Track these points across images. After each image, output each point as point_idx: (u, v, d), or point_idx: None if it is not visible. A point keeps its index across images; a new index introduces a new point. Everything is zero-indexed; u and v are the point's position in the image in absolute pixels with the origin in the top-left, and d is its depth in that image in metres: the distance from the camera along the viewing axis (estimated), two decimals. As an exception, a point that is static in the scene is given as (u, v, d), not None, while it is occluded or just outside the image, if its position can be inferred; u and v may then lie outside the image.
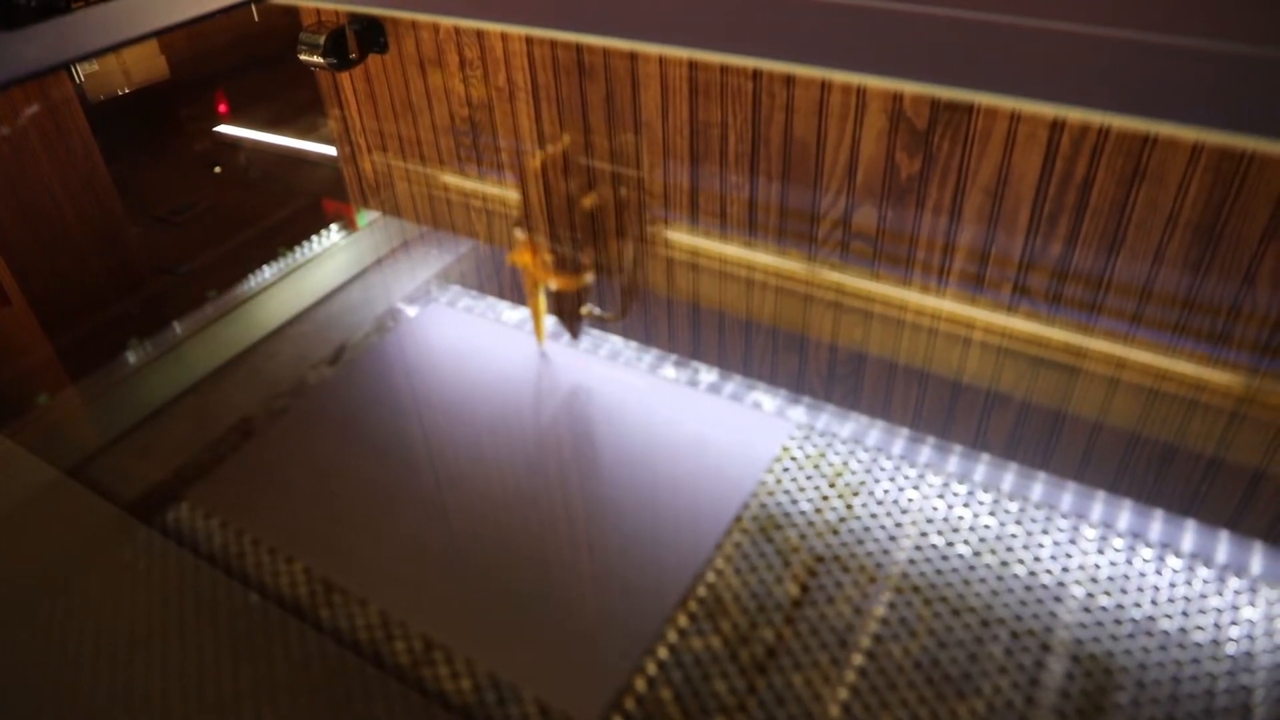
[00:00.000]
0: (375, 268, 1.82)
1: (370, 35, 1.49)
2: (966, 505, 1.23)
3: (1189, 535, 1.17)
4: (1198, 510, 1.17)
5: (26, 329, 1.75)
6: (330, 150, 2.04)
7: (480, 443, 1.41)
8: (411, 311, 1.71)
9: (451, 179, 1.61)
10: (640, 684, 1.04)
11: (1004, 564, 1.15)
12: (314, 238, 1.90)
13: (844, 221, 1.21)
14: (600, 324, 1.59)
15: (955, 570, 1.14)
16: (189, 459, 1.39)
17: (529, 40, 1.33)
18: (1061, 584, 1.12)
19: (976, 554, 1.16)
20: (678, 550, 1.20)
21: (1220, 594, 1.10)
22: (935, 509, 1.23)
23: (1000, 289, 1.14)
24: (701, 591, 1.14)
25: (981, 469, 1.28)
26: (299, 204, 2.28)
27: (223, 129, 2.64)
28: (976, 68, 0.89)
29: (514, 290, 1.69)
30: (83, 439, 1.45)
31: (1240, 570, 1.12)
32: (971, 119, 1.04)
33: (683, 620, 1.11)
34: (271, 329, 1.66)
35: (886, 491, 1.26)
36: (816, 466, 1.31)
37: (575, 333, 1.58)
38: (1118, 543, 1.17)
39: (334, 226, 1.92)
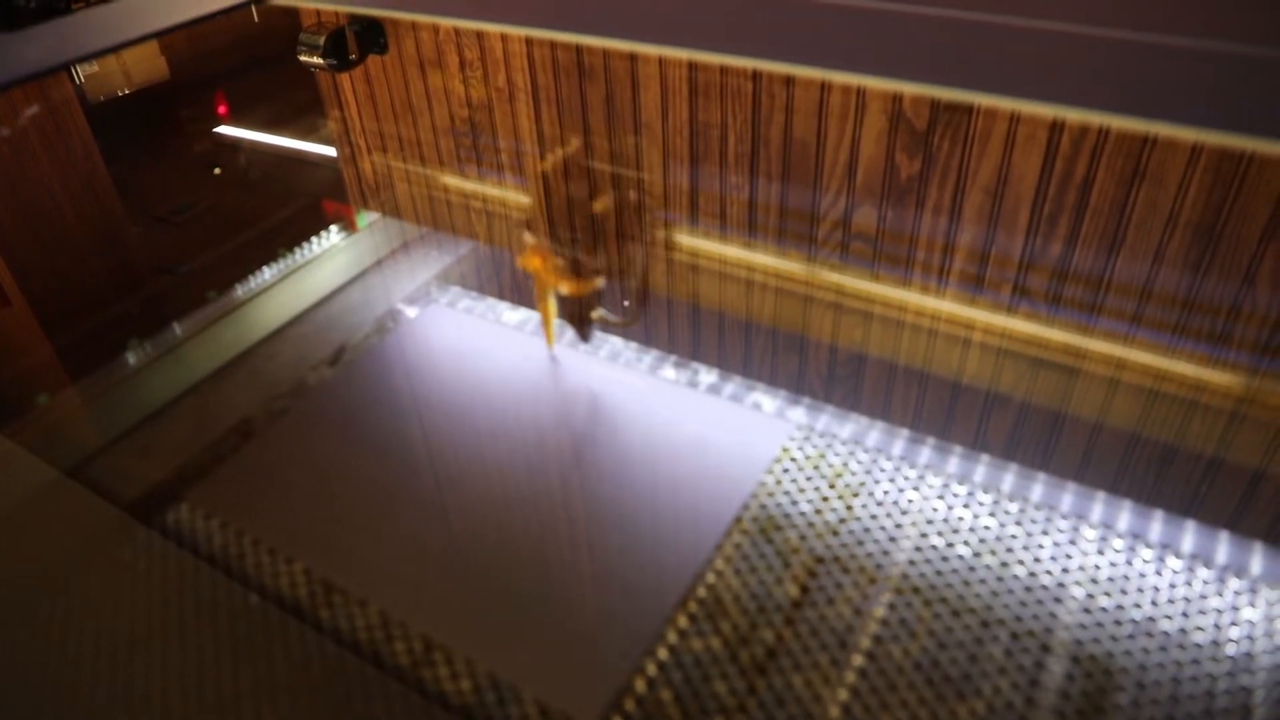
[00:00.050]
0: (375, 269, 1.82)
1: (370, 36, 1.49)
2: (966, 506, 1.23)
3: (1189, 536, 1.17)
4: (1198, 511, 1.17)
5: (26, 329, 1.75)
6: (330, 151, 2.04)
7: (480, 443, 1.41)
8: (411, 313, 1.71)
9: (451, 180, 1.62)
10: (640, 685, 1.04)
11: (1004, 565, 1.15)
12: (314, 239, 1.90)
13: (844, 222, 1.21)
14: (610, 329, 1.59)
15: (955, 571, 1.14)
16: (189, 459, 1.39)
17: (529, 41, 1.33)
18: (1061, 585, 1.12)
19: (976, 555, 1.16)
20: (678, 551, 1.20)
21: (1220, 595, 1.10)
22: (935, 510, 1.23)
23: (1000, 289, 1.14)
24: (701, 592, 1.14)
25: (981, 470, 1.28)
26: (299, 205, 2.28)
27: (223, 130, 2.64)
28: (976, 68, 0.89)
29: (514, 291, 1.69)
30: (83, 439, 1.45)
31: (1240, 571, 1.12)
32: (971, 119, 1.04)
33: (683, 621, 1.11)
34: (271, 330, 1.66)
35: (886, 492, 1.26)
36: (816, 467, 1.31)
37: (586, 337, 1.59)
38: (1118, 543, 1.17)
39: (334, 227, 1.92)
